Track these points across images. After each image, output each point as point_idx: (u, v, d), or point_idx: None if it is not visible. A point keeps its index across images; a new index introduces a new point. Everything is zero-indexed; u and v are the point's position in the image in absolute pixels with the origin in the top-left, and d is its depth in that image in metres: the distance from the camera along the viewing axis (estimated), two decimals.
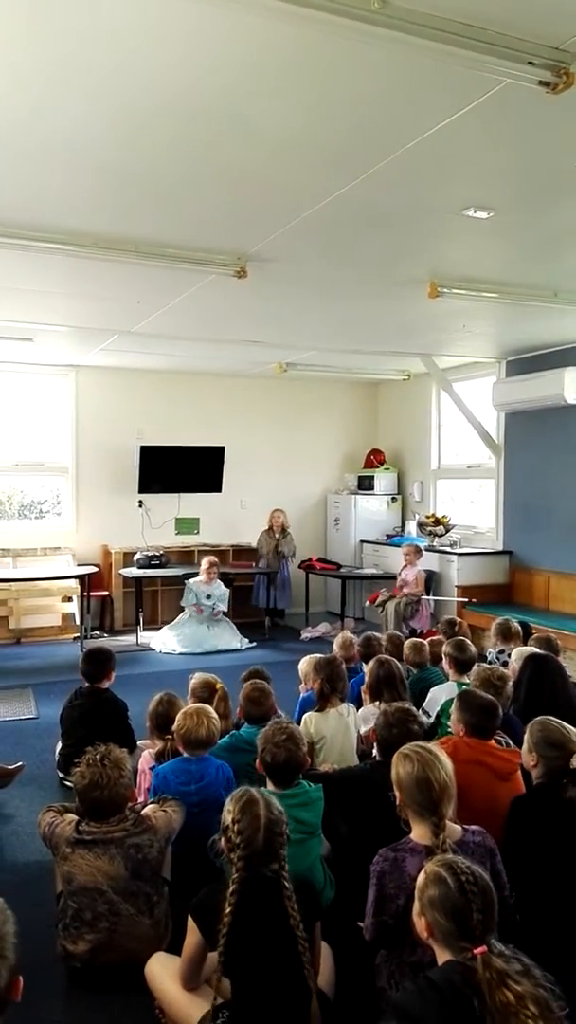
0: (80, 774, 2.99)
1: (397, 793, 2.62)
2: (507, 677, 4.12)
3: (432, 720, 4.42)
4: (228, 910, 2.25)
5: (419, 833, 2.56)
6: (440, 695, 4.46)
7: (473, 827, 2.66)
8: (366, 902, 2.59)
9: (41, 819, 3.10)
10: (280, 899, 2.32)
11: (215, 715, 3.61)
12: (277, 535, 9.80)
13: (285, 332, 7.52)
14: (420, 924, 2.02)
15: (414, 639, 5.57)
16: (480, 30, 2.51)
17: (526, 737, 3.12)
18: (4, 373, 9.10)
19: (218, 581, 8.79)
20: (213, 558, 8.90)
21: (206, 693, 4.25)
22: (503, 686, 4.05)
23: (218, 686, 4.29)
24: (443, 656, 4.73)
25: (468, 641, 4.82)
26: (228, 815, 2.39)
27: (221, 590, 8.80)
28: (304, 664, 4.88)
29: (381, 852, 2.58)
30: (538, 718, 3.14)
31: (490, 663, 5.49)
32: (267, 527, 9.87)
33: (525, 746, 3.12)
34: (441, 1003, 1.84)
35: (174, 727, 3.59)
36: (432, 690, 4.61)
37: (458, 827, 2.62)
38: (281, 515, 9.87)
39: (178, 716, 3.59)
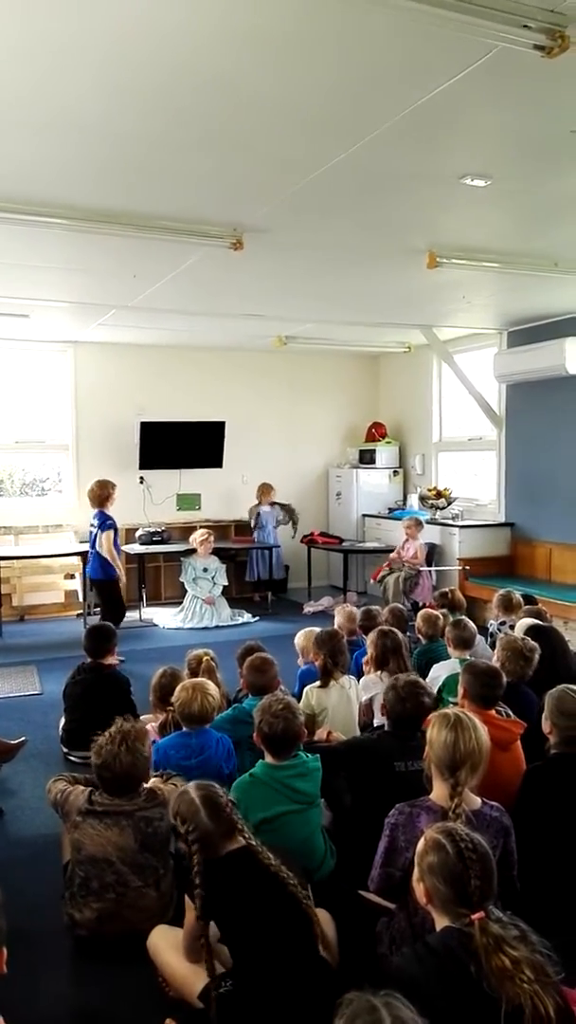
0: (98, 749, 2.98)
1: (428, 749, 2.66)
2: (536, 650, 4.04)
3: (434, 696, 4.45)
4: (197, 902, 2.28)
5: (438, 793, 2.62)
6: (442, 672, 4.48)
7: (493, 803, 2.70)
8: (375, 854, 2.65)
9: (52, 787, 3.12)
10: (259, 868, 2.33)
11: (213, 690, 3.64)
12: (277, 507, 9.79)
13: (283, 304, 7.46)
14: (419, 890, 2.05)
15: (427, 611, 5.57)
16: None
17: (546, 703, 3.18)
18: (2, 350, 9.05)
19: (213, 556, 8.82)
20: (205, 530, 8.92)
21: (194, 664, 4.37)
22: (532, 657, 4.01)
23: (204, 658, 4.36)
24: (444, 632, 4.75)
25: (467, 619, 4.84)
26: (169, 817, 2.47)
27: (217, 563, 8.84)
28: (300, 638, 4.90)
29: (398, 806, 2.64)
30: (557, 687, 3.20)
31: (491, 635, 5.52)
32: (265, 502, 9.72)
33: (544, 713, 3.18)
34: (439, 968, 1.86)
35: (172, 699, 3.64)
36: (434, 667, 4.62)
37: (478, 799, 2.65)
38: (271, 489, 9.80)
39: (176, 689, 3.65)
